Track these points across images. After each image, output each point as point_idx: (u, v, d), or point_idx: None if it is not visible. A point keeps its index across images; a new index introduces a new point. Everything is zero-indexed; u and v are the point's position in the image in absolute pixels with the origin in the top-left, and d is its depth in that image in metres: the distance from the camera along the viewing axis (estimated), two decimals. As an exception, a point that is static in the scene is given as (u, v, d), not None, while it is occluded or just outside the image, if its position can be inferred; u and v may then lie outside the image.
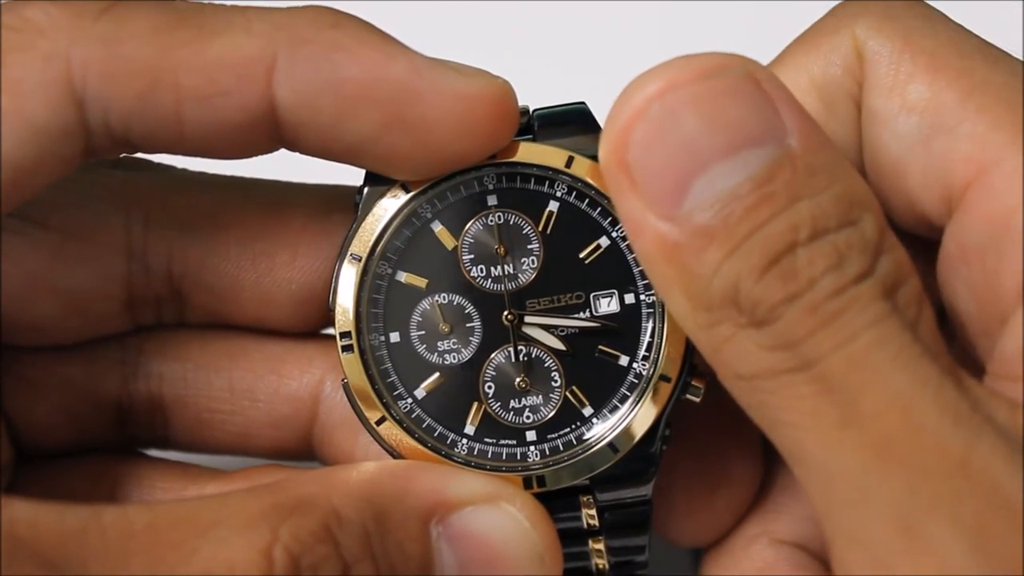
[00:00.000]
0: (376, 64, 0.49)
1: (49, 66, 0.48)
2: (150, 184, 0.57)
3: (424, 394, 0.55)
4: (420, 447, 0.54)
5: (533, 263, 0.55)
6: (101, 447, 0.60)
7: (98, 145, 0.50)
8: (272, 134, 0.51)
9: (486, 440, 0.54)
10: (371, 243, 0.54)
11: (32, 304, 0.55)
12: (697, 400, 0.54)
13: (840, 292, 0.44)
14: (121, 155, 0.58)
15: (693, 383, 0.54)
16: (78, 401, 0.58)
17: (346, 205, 0.55)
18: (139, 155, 0.57)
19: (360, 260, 0.54)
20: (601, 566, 0.56)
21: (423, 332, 0.55)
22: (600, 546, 0.56)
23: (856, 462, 0.44)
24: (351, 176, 0.55)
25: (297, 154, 0.53)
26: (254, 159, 0.53)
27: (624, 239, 0.54)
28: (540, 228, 0.54)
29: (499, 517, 0.49)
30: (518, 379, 0.55)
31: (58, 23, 0.48)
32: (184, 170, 0.59)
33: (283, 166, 0.56)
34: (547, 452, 0.54)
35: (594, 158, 0.53)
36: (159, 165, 0.60)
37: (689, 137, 0.45)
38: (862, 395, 0.43)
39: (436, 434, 0.54)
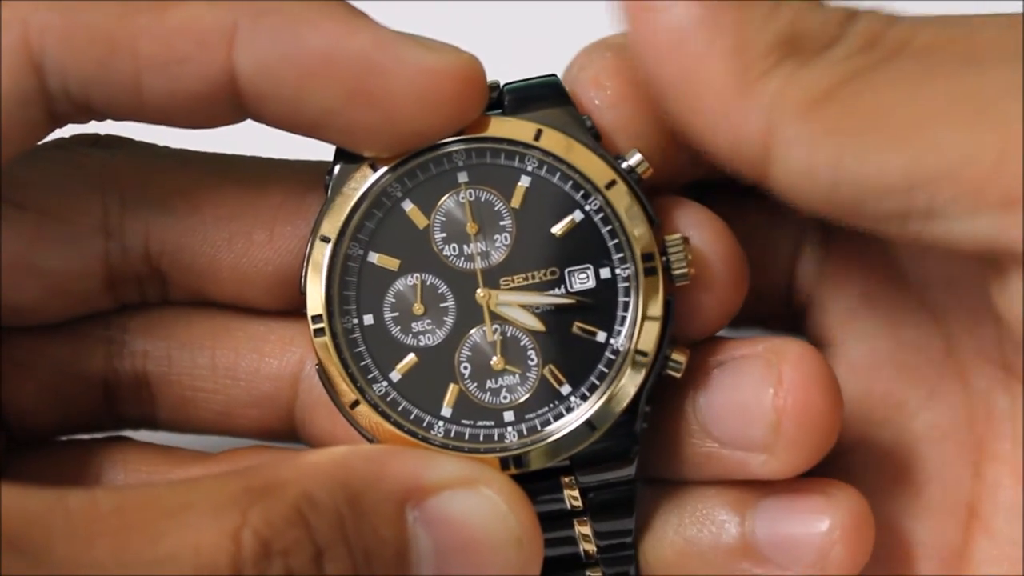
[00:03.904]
0: (338, 36, 0.48)
1: (7, 33, 0.48)
2: (127, 162, 0.57)
3: (399, 376, 0.54)
4: (396, 431, 0.53)
5: (506, 240, 0.54)
6: (90, 428, 0.59)
7: (61, 111, 0.50)
8: (234, 104, 0.50)
9: (463, 422, 0.54)
10: (341, 224, 0.53)
11: (12, 285, 0.55)
12: (678, 375, 0.53)
13: None
14: (101, 134, 0.58)
15: (673, 357, 0.53)
16: (65, 380, 0.58)
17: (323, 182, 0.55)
18: (118, 133, 0.58)
19: (330, 242, 0.53)
20: (589, 551, 0.55)
21: (397, 313, 0.54)
22: (587, 530, 0.55)
23: None
24: (331, 150, 0.54)
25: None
26: (241, 132, 0.53)
27: (598, 212, 0.53)
28: (512, 204, 0.54)
29: (476, 501, 0.49)
30: (494, 359, 0.54)
31: None
32: (164, 147, 0.59)
33: (268, 139, 0.56)
34: (525, 432, 0.53)
35: (563, 131, 0.52)
36: (138, 143, 0.59)
37: None
38: None
39: (412, 417, 0.53)
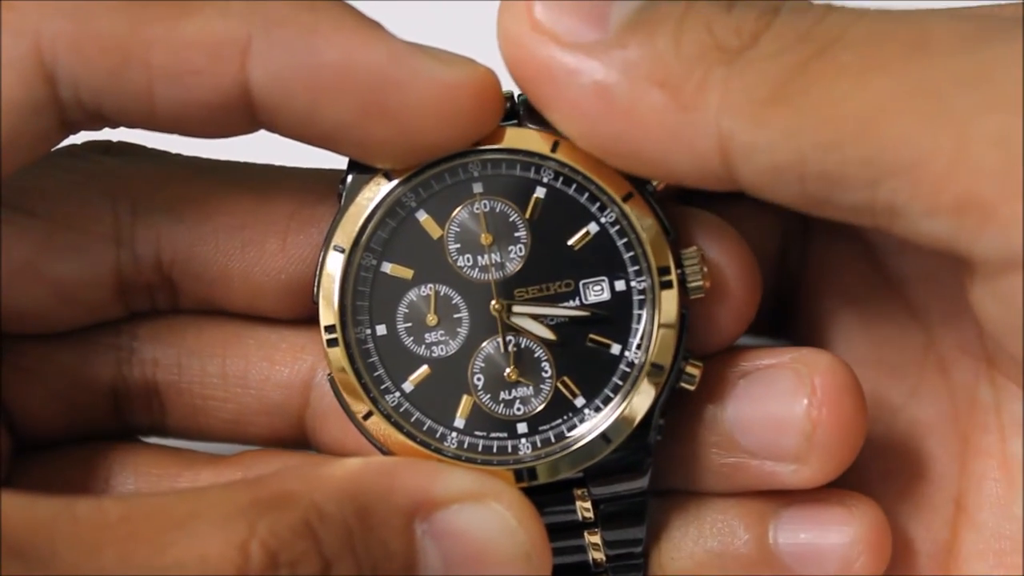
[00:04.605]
0: (353, 49, 0.48)
1: (19, 41, 0.48)
2: (139, 171, 0.57)
3: (412, 387, 0.53)
4: (409, 442, 0.53)
5: (520, 251, 0.53)
6: (99, 435, 0.59)
7: (73, 119, 0.50)
8: (247, 115, 0.50)
9: (476, 433, 0.53)
10: (355, 234, 0.53)
11: (22, 293, 0.55)
12: (692, 388, 0.53)
13: None
14: (112, 141, 0.58)
15: (687, 370, 0.53)
16: (74, 387, 0.58)
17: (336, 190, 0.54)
18: (130, 140, 0.58)
19: (344, 252, 0.53)
20: (598, 560, 0.55)
21: (410, 324, 0.53)
22: (596, 539, 0.54)
23: None
24: (344, 159, 0.54)
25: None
26: (253, 140, 0.53)
27: (614, 224, 0.53)
28: (527, 215, 0.53)
29: (485, 515, 0.48)
30: (508, 370, 0.53)
31: None
32: (177, 155, 0.59)
33: (280, 147, 0.56)
34: (539, 444, 0.53)
35: None
36: (150, 151, 0.59)
37: None
38: None
39: (425, 428, 0.53)
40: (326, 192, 0.55)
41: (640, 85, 0.46)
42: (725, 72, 0.46)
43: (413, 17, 0.58)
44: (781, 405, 0.53)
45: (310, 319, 0.56)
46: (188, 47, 0.48)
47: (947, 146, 0.43)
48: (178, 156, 0.59)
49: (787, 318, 0.60)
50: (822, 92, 0.45)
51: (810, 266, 0.59)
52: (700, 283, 0.52)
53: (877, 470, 0.56)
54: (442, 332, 0.53)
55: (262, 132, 0.52)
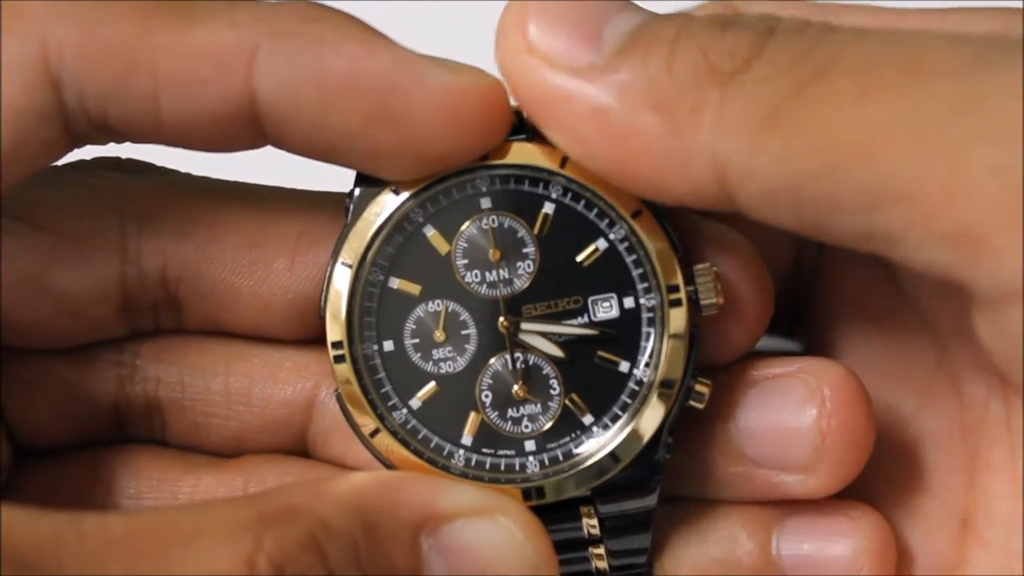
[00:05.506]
0: (359, 57, 0.48)
1: (25, 46, 0.48)
2: (147, 188, 0.57)
3: (419, 404, 0.53)
4: (416, 459, 0.52)
5: (529, 267, 0.53)
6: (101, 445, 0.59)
7: (79, 130, 0.50)
8: (253, 127, 0.50)
9: (484, 451, 0.53)
10: (362, 249, 0.52)
11: (26, 306, 0.54)
12: (701, 406, 0.52)
13: None
14: (122, 158, 0.58)
15: (696, 388, 0.52)
16: (75, 402, 0.57)
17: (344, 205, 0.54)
18: (140, 158, 0.58)
19: (351, 267, 0.52)
20: (602, 568, 0.54)
21: (417, 340, 0.53)
22: (600, 550, 0.54)
23: None
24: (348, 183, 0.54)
25: (305, 161, 0.52)
26: (262, 165, 0.53)
27: (622, 241, 0.52)
28: (535, 231, 0.53)
29: (492, 529, 0.48)
30: (516, 387, 0.53)
31: (35, 2, 0.48)
32: (186, 174, 0.59)
33: (287, 172, 0.56)
34: (546, 462, 0.53)
35: None
36: (160, 169, 0.59)
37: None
38: None
39: (432, 445, 0.53)
40: (335, 212, 0.55)
41: (635, 109, 0.46)
42: (719, 96, 0.45)
43: (419, 29, 0.58)
44: (790, 415, 0.53)
45: (314, 339, 0.55)
46: (195, 56, 0.48)
47: (942, 175, 0.42)
48: (186, 175, 0.58)
49: (799, 323, 0.60)
50: (816, 117, 0.44)
51: (824, 273, 0.59)
52: (714, 300, 0.52)
53: (883, 482, 0.55)
54: (450, 348, 0.53)
55: (270, 157, 0.52)
